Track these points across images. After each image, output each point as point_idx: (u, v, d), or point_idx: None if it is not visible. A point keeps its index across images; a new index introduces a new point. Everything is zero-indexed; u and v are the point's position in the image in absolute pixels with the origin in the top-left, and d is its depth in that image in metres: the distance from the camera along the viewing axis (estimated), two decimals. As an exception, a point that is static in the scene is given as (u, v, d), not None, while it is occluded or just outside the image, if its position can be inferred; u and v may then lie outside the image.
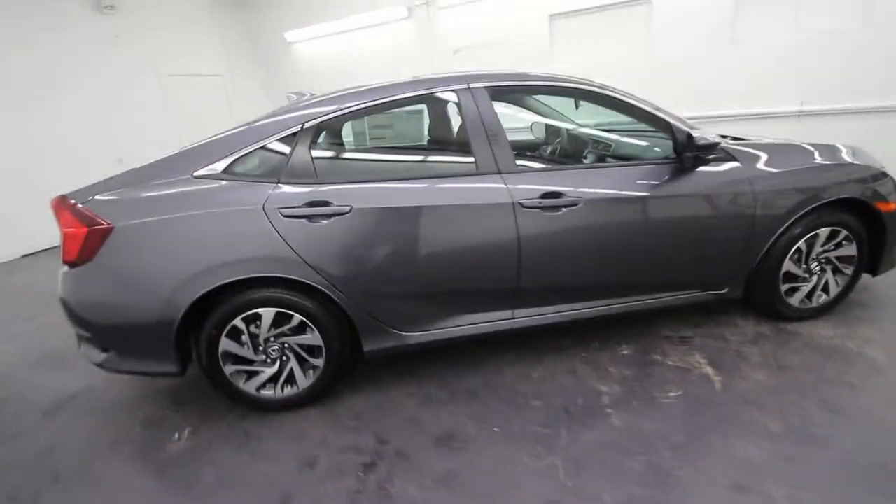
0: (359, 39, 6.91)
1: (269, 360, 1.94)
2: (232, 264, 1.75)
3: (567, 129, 2.49)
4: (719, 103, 4.91)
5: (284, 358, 1.94)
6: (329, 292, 1.84)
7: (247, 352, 1.89)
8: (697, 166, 1.94)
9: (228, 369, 1.90)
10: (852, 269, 2.29)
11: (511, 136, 1.95)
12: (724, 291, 2.23)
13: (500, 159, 1.90)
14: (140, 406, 2.17)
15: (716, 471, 1.55)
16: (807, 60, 4.37)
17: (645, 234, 2.00)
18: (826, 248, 2.24)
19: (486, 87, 1.94)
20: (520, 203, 1.86)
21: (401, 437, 1.81)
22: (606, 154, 2.26)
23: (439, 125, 2.24)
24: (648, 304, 2.16)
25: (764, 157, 2.11)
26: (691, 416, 1.80)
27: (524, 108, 2.54)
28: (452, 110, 1.96)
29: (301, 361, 1.96)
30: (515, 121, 2.65)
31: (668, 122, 2.01)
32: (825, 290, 2.32)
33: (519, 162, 1.94)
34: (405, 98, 1.94)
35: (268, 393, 1.97)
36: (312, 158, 1.84)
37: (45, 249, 5.32)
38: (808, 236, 2.17)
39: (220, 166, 1.82)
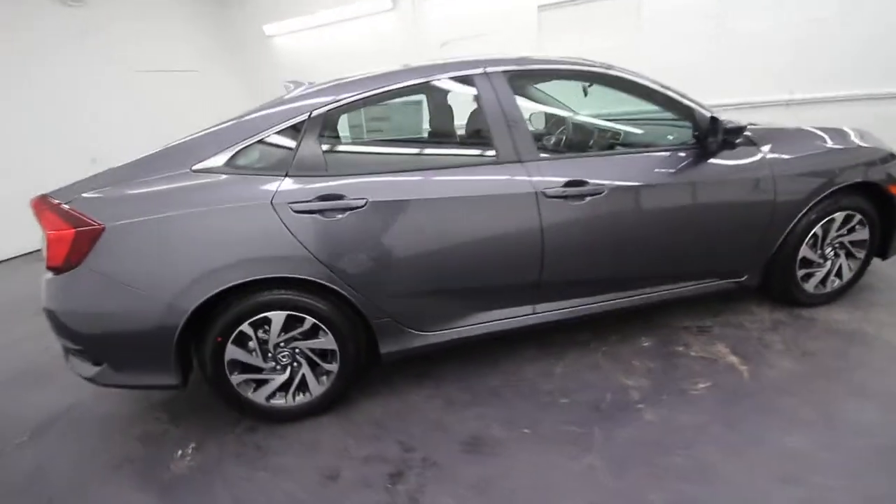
0: (341, 32, 6.72)
1: (279, 367, 1.80)
2: (239, 265, 1.61)
3: (573, 118, 2.41)
4: (708, 93, 4.91)
5: (295, 364, 1.81)
6: (344, 292, 1.72)
7: (255, 359, 1.76)
8: (723, 151, 1.89)
9: (236, 379, 1.76)
10: (865, 253, 2.29)
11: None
12: (743, 279, 2.19)
13: (520, 147, 1.81)
14: (135, 422, 2.00)
15: (760, 463, 1.50)
16: (794, 49, 4.42)
17: (668, 223, 1.94)
18: (840, 232, 2.23)
19: (503, 71, 1.84)
20: (543, 193, 1.78)
21: (427, 444, 1.71)
22: (617, 142, 2.19)
23: (450, 113, 2.12)
24: (669, 294, 2.11)
25: (780, 141, 2.08)
26: (725, 408, 1.75)
27: (525, 97, 2.46)
28: (467, 97, 1.85)
29: (313, 367, 1.83)
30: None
31: (690, 108, 1.96)
32: (839, 274, 2.32)
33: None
34: (417, 84, 1.82)
35: (279, 402, 1.84)
36: (322, 149, 1.72)
37: (14, 257, 5.00)
38: (824, 221, 2.15)
39: (221, 159, 1.68)
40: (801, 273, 2.24)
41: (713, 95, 4.88)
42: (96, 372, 1.71)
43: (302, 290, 1.72)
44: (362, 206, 1.66)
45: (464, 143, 1.88)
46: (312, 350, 1.81)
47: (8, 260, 4.98)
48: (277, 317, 1.71)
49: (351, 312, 1.80)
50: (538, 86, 2.47)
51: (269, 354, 1.78)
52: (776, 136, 2.11)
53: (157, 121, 6.27)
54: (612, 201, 1.84)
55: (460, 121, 2.14)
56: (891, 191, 2.17)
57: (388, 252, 1.72)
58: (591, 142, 2.24)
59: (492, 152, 1.81)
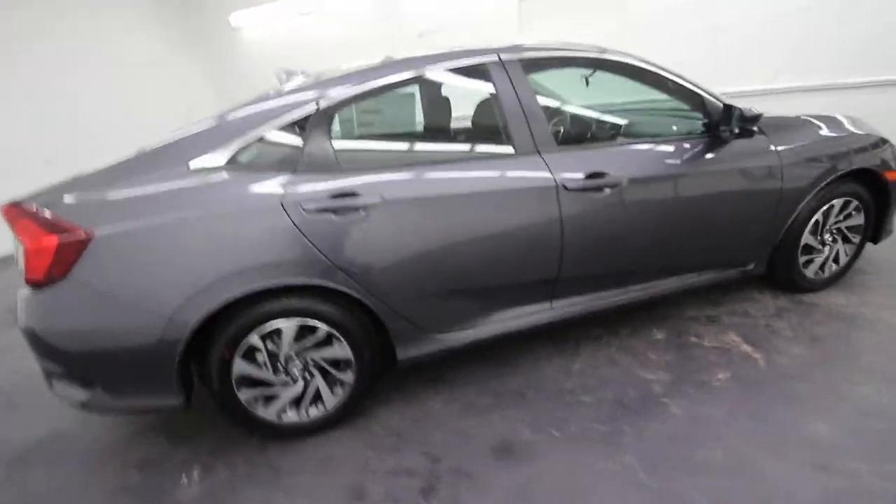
0: (313, 23, 6.48)
1: (290, 380, 1.68)
2: (248, 272, 1.48)
3: (584, 108, 2.36)
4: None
5: (308, 376, 1.70)
6: (361, 297, 1.61)
7: (265, 373, 1.63)
8: (741, 139, 1.88)
9: (244, 395, 1.63)
10: (860, 238, 2.36)
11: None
12: (750, 267, 2.22)
13: (538, 139, 1.74)
14: (129, 447, 1.83)
15: (792, 452, 1.50)
16: (775, 38, 4.54)
17: (685, 213, 1.93)
18: (838, 218, 2.28)
19: (519, 58, 1.77)
20: (563, 185, 1.72)
21: (454, 453, 1.63)
22: (631, 132, 2.16)
23: (460, 104, 2.03)
24: (682, 285, 2.10)
25: (784, 129, 2.10)
26: (748, 398, 1.75)
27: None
28: (469, 87, 1.77)
29: (326, 377, 1.72)
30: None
31: (703, 97, 1.94)
32: (836, 260, 2.38)
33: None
34: (430, 74, 1.72)
35: (291, 417, 1.71)
36: (332, 144, 1.60)
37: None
38: (824, 208, 2.20)
39: (221, 157, 1.53)
40: (802, 259, 2.29)
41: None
42: (88, 397, 1.54)
43: (314, 296, 1.60)
44: (378, 204, 1.56)
45: (480, 135, 1.80)
46: (326, 360, 1.69)
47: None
48: (289, 326, 1.59)
49: (365, 317, 1.70)
50: (537, 75, 2.41)
51: (280, 367, 1.65)
52: (779, 124, 2.13)
53: (118, 117, 5.89)
54: (630, 193, 1.81)
55: (458, 112, 2.05)
56: (886, 177, 2.23)
57: (406, 251, 1.62)
58: (606, 132, 2.20)
59: (509, 144, 1.74)
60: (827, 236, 2.31)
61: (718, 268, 2.16)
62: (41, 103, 5.19)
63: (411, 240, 1.62)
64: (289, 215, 1.49)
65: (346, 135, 1.60)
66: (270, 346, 1.61)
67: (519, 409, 1.82)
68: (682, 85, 1.94)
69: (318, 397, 1.73)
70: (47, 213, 1.43)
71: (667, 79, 1.93)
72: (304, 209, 1.50)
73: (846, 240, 2.36)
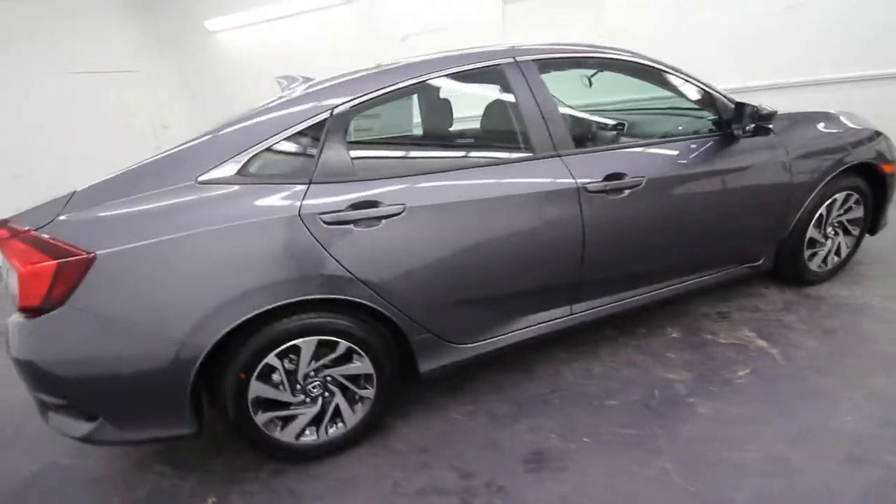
0: (293, 27, 6.34)
1: (308, 400, 1.60)
2: (265, 288, 1.39)
3: (598, 109, 2.35)
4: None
5: (326, 394, 1.62)
6: (383, 310, 1.54)
7: (283, 394, 1.54)
8: (757, 136, 1.89)
9: (261, 418, 1.54)
10: (860, 230, 2.41)
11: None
12: (759, 263, 2.23)
13: (557, 140, 1.71)
14: (133, 479, 1.71)
15: (824, 447, 1.50)
16: (746, 39, 4.66)
17: (702, 212, 1.93)
18: (839, 212, 2.33)
19: (533, 59, 1.73)
20: (585, 188, 1.69)
21: (485, 466, 1.57)
22: (644, 132, 2.15)
23: (477, 107, 1.97)
24: (697, 283, 2.10)
25: (789, 125, 2.13)
26: (772, 395, 1.75)
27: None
28: (497, 89, 1.73)
29: (345, 393, 1.64)
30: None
31: (713, 96, 1.95)
32: (837, 252, 2.43)
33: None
34: (446, 76, 1.67)
35: (309, 438, 1.63)
36: (349, 151, 1.52)
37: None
38: (828, 202, 2.24)
39: (231, 168, 1.44)
40: (807, 253, 2.32)
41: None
42: (91, 429, 1.42)
43: (333, 311, 1.52)
44: (400, 213, 1.49)
45: (498, 138, 1.76)
46: (345, 376, 1.61)
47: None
48: (308, 344, 1.51)
49: (385, 330, 1.63)
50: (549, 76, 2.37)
51: (298, 386, 1.57)
52: (784, 120, 2.15)
53: (91, 127, 5.64)
54: (649, 193, 1.79)
55: (475, 115, 2.00)
56: (883, 169, 2.29)
57: (429, 261, 1.56)
58: (620, 133, 2.18)
59: (528, 147, 1.70)
60: (829, 230, 2.35)
61: (730, 264, 2.17)
62: (8, 114, 4.92)
63: (435, 248, 1.56)
64: (307, 227, 1.42)
65: (362, 141, 1.52)
66: (288, 365, 1.53)
67: (545, 416, 1.77)
68: (693, 84, 1.94)
69: (336, 415, 1.65)
70: (43, 234, 1.32)
71: (678, 78, 1.93)
72: (323, 221, 1.43)
73: (847, 232, 2.41)
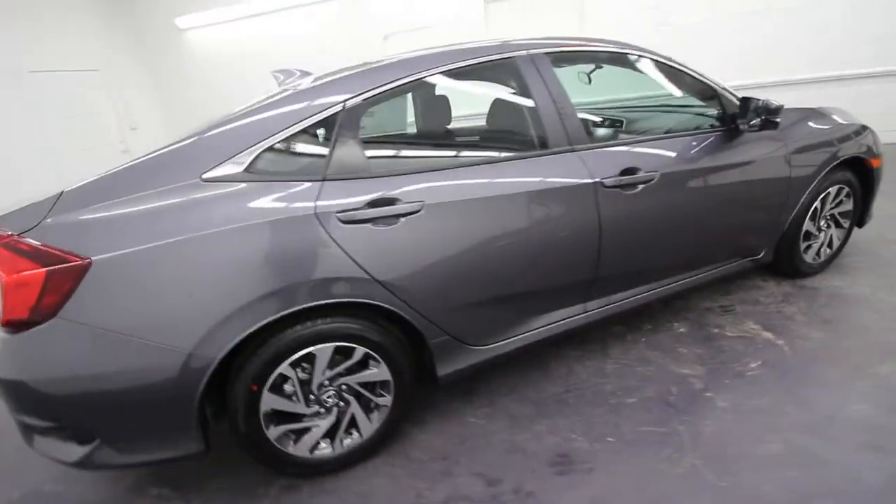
0: (270, 24, 6.17)
1: (323, 411, 1.51)
2: (280, 293, 1.30)
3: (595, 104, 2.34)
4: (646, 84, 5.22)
5: (342, 404, 1.53)
6: (402, 312, 1.47)
7: (297, 405, 1.45)
8: (765, 130, 1.91)
9: (274, 433, 1.44)
10: (850, 222, 2.49)
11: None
12: (760, 256, 2.27)
13: (572, 135, 1.68)
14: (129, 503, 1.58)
15: (843, 436, 1.52)
16: (724, 39, 4.80)
17: (712, 206, 1.94)
18: (831, 205, 2.39)
19: (546, 53, 1.70)
20: (601, 183, 1.67)
21: (511, 471, 1.52)
22: (653, 128, 2.15)
23: (495, 100, 1.91)
24: (704, 277, 2.11)
25: (787, 121, 2.16)
26: (785, 386, 1.77)
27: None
28: (511, 82, 1.68)
29: (360, 401, 1.56)
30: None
31: (717, 91, 1.97)
32: (829, 244, 2.49)
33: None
34: (459, 69, 1.61)
35: (324, 451, 1.54)
36: (363, 146, 1.45)
37: None
38: (822, 195, 2.29)
39: (239, 165, 1.34)
40: (803, 246, 2.37)
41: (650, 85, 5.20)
42: (86, 453, 1.29)
43: (348, 315, 1.44)
44: (419, 211, 1.43)
45: (514, 132, 1.71)
46: (361, 383, 1.54)
47: None
48: (323, 351, 1.42)
49: (401, 334, 1.56)
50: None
51: (312, 397, 1.48)
52: (782, 115, 2.18)
53: (53, 129, 5.32)
54: (661, 188, 1.78)
55: (490, 109, 1.94)
56: (871, 163, 2.36)
57: (448, 260, 1.50)
58: (630, 128, 2.17)
59: (545, 142, 1.66)
60: (822, 223, 2.41)
61: (734, 258, 2.19)
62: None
63: (454, 247, 1.50)
64: (324, 227, 1.33)
65: (376, 135, 1.45)
66: (301, 374, 1.44)
67: (565, 417, 1.74)
68: (699, 79, 1.95)
69: (351, 425, 1.57)
70: (28, 239, 1.19)
71: (684, 73, 1.94)
72: (340, 220, 1.35)
73: (838, 225, 2.48)
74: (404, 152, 1.77)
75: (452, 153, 1.69)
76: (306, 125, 1.41)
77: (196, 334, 1.24)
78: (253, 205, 1.31)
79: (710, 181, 1.91)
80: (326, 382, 1.48)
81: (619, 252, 1.79)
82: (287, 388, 1.43)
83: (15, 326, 1.20)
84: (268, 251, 1.29)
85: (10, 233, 1.21)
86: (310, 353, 1.41)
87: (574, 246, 1.69)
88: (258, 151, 1.36)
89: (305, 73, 2.01)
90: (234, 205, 1.30)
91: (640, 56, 1.89)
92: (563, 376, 1.96)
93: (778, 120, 1.84)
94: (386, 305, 1.44)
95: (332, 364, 1.46)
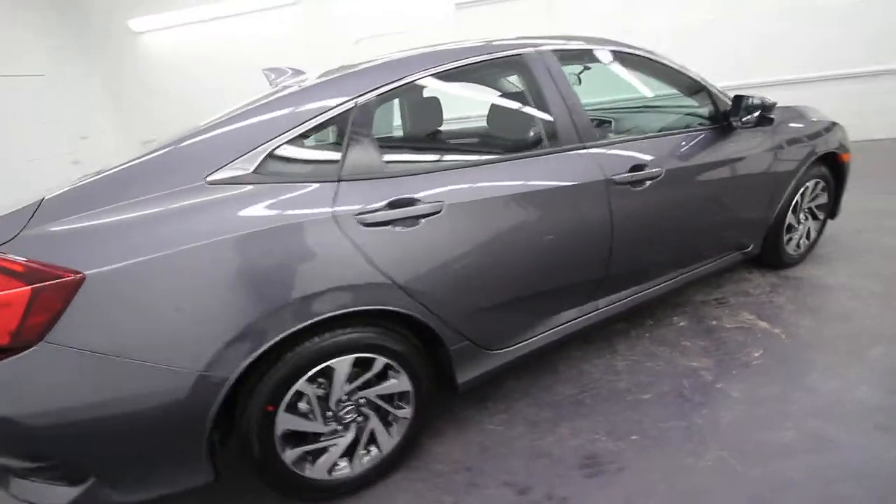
0: (234, 28, 5.93)
1: (340, 428, 1.41)
2: (298, 304, 1.21)
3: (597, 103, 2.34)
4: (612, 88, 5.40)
5: (360, 419, 1.44)
6: (424, 318, 1.40)
7: (314, 424, 1.35)
8: (761, 126, 1.97)
9: (290, 455, 1.33)
10: (825, 215, 2.62)
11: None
12: (750, 249, 2.34)
13: (582, 132, 1.67)
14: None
15: (853, 419, 1.57)
16: (688, 46, 5.01)
17: (712, 201, 1.98)
18: (810, 198, 2.51)
19: (553, 50, 1.68)
20: (612, 179, 1.66)
21: (539, 478, 1.47)
22: (654, 125, 2.16)
23: (506, 96, 1.87)
24: (702, 271, 2.16)
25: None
26: (789, 373, 1.82)
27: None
28: (520, 79, 1.66)
29: (380, 415, 1.47)
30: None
31: (709, 90, 2.02)
32: (807, 236, 2.62)
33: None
34: (471, 64, 1.56)
35: (343, 471, 1.44)
36: (377, 145, 1.37)
37: None
38: (801, 189, 2.40)
39: (247, 166, 1.24)
40: (786, 238, 2.48)
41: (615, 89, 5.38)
42: (78, 495, 1.14)
43: (368, 324, 1.36)
44: (440, 212, 1.37)
45: (527, 129, 1.68)
46: (380, 396, 1.45)
47: None
48: (342, 364, 1.33)
49: (418, 341, 1.49)
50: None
51: (329, 413, 1.38)
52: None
53: (-6, 138, 4.88)
54: (667, 185, 1.80)
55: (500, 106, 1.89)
56: (843, 158, 2.50)
57: (469, 262, 1.45)
58: (631, 125, 2.19)
59: (554, 139, 1.64)
60: (801, 215, 2.53)
61: (728, 251, 2.25)
62: None
63: (474, 248, 1.45)
64: (343, 231, 1.25)
65: (388, 133, 1.38)
66: (317, 390, 1.34)
67: (585, 418, 1.71)
68: (692, 78, 2.00)
69: (370, 441, 1.48)
70: (8, 254, 1.04)
71: (680, 73, 1.98)
72: (361, 222, 1.27)
73: (814, 217, 2.61)
74: (419, 151, 1.71)
75: (467, 151, 1.64)
76: (317, 123, 1.32)
77: (206, 353, 1.13)
78: (265, 209, 1.21)
79: (710, 177, 1.95)
80: (344, 397, 1.39)
81: (629, 248, 1.80)
82: (302, 406, 1.33)
83: (-7, 354, 1.04)
84: (283, 258, 1.19)
85: (-18, 248, 1.05)
86: (327, 367, 1.31)
87: (588, 243, 1.68)
88: (268, 151, 1.26)
89: (298, 72, 1.91)
90: (244, 209, 1.19)
91: (637, 56, 1.91)
92: (574, 377, 1.94)
93: (773, 116, 1.91)
94: (407, 312, 1.37)
95: (350, 377, 1.36)
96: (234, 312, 1.14)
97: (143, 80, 6.29)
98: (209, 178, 1.20)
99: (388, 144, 1.42)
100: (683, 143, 1.91)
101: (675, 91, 2.06)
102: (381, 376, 1.42)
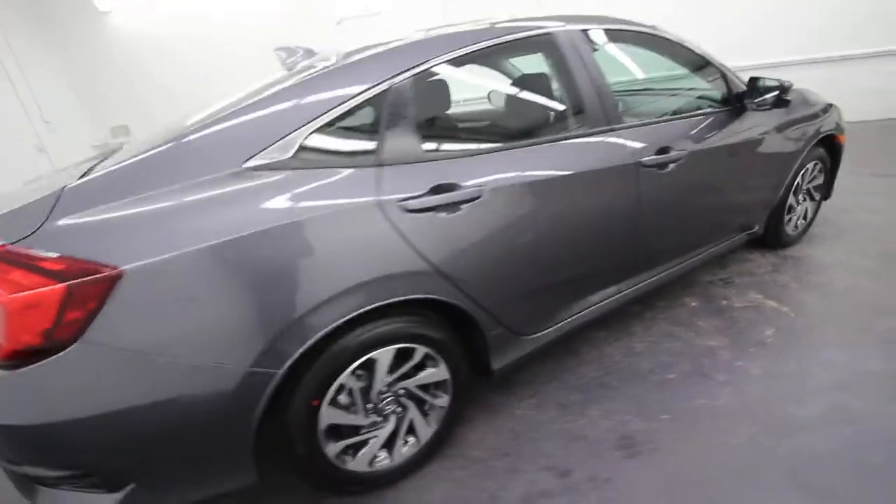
0: (210, 7, 5.63)
1: (380, 420, 1.38)
2: (345, 295, 1.16)
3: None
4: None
5: (399, 410, 1.41)
6: (464, 306, 1.37)
7: (357, 417, 1.31)
8: (778, 108, 1.99)
9: (333, 449, 1.29)
10: (820, 195, 2.71)
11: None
12: (755, 229, 2.40)
13: (609, 113, 1.65)
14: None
15: (870, 390, 1.63)
16: (676, 27, 5.05)
17: (727, 182, 2.02)
18: (809, 179, 2.58)
19: (581, 29, 1.65)
20: (641, 162, 1.66)
21: (578, 461, 1.48)
22: (672, 107, 2.16)
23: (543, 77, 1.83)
24: (714, 251, 2.20)
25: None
26: (802, 349, 1.88)
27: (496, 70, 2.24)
28: (551, 59, 1.62)
29: (418, 405, 1.45)
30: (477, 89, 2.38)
31: (725, 73, 2.03)
32: (804, 217, 2.70)
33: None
34: (501, 44, 1.51)
35: (384, 462, 1.41)
36: (415, 128, 1.32)
37: None
38: (802, 171, 2.47)
39: (285, 151, 1.17)
40: (786, 218, 2.55)
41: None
42: (117, 501, 1.08)
43: (409, 313, 1.32)
44: (480, 197, 1.33)
45: (559, 111, 1.65)
46: (419, 386, 1.42)
47: None
48: (385, 354, 1.29)
49: (452, 329, 1.46)
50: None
51: (370, 406, 1.34)
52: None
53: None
54: (688, 167, 1.81)
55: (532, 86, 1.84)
56: (839, 139, 2.58)
57: (507, 247, 1.42)
58: (653, 107, 2.19)
59: (584, 121, 1.62)
60: (800, 196, 2.60)
61: (737, 232, 2.30)
62: None
63: (513, 233, 1.42)
64: (388, 217, 1.20)
65: (424, 115, 1.32)
66: (359, 382, 1.30)
67: (612, 400, 1.73)
68: (708, 60, 2.00)
69: (408, 431, 1.45)
70: (28, 248, 0.95)
71: (697, 54, 1.98)
72: (405, 208, 1.22)
73: (811, 198, 2.69)
74: (455, 133, 1.65)
75: (502, 133, 1.60)
76: (354, 105, 1.25)
77: (255, 348, 1.07)
78: (308, 196, 1.14)
79: (728, 159, 1.98)
80: (384, 388, 1.35)
81: (653, 231, 1.81)
82: (342, 399, 1.29)
83: (21, 358, 0.96)
84: (331, 247, 1.14)
85: (1, 242, 0.96)
86: (368, 359, 1.27)
87: (619, 226, 1.68)
88: (305, 135, 1.19)
89: (309, 51, 1.82)
90: (286, 196, 1.12)
91: (657, 36, 1.90)
92: (595, 359, 1.96)
93: (789, 98, 1.94)
94: (448, 300, 1.34)
95: (391, 368, 1.33)
96: (282, 304, 1.09)
97: (110, 62, 5.92)
98: (247, 164, 1.12)
99: (424, 127, 1.36)
100: (703, 125, 1.92)
101: (688, 72, 2.06)
102: (419, 366, 1.40)
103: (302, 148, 1.18)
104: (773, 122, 2.14)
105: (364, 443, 1.36)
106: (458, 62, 1.42)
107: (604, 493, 1.37)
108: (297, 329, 1.11)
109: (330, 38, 5.64)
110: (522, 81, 1.64)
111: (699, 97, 2.07)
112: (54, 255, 0.94)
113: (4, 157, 4.97)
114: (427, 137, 1.35)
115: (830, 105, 2.59)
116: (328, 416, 1.25)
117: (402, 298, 1.25)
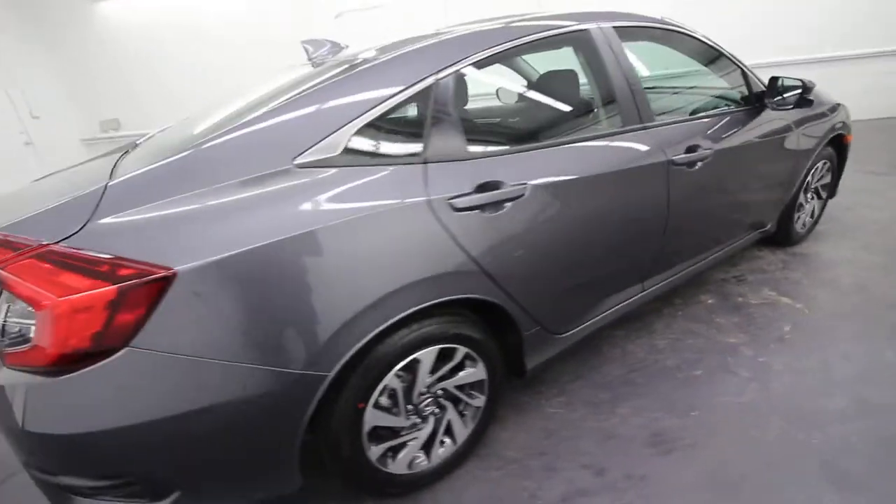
0: (205, 1, 5.49)
1: (420, 421, 1.36)
2: (396, 295, 1.14)
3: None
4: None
5: (437, 410, 1.39)
6: (505, 305, 1.36)
7: (398, 418, 1.29)
8: (801, 107, 2.02)
9: (375, 452, 1.27)
10: (827, 194, 2.76)
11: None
12: (768, 228, 2.44)
13: (642, 111, 1.65)
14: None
15: (890, 382, 1.67)
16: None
17: (748, 181, 2.03)
18: (818, 178, 2.63)
19: (614, 26, 1.64)
20: (672, 161, 1.66)
21: (613, 459, 1.49)
22: (697, 105, 2.17)
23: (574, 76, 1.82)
24: (730, 249, 2.22)
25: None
26: (820, 343, 1.92)
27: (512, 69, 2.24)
28: (583, 55, 1.61)
29: (456, 405, 1.44)
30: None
31: (746, 72, 2.05)
32: (812, 215, 2.75)
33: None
34: (538, 40, 1.50)
35: (422, 464, 1.40)
36: (459, 124, 1.30)
37: None
38: (812, 169, 2.51)
39: (335, 147, 1.14)
40: (796, 216, 2.59)
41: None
42: (162, 509, 1.04)
43: (452, 313, 1.31)
44: (524, 195, 1.32)
45: (594, 108, 1.65)
46: (457, 386, 1.41)
47: None
48: (428, 356, 1.28)
49: (488, 328, 1.45)
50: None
51: (410, 407, 1.32)
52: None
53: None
54: (714, 165, 1.83)
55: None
56: (847, 139, 2.63)
57: (548, 247, 1.42)
58: (681, 105, 2.19)
59: (616, 119, 1.61)
60: (809, 195, 2.65)
61: (752, 230, 2.33)
62: None
63: (553, 231, 1.41)
64: (438, 216, 1.18)
65: (466, 111, 1.30)
66: (401, 384, 1.28)
67: (641, 397, 1.74)
68: (730, 58, 2.02)
69: (445, 432, 1.44)
70: (75, 247, 0.91)
71: (721, 53, 1.99)
72: (453, 206, 1.20)
73: (818, 196, 2.74)
74: (497, 131, 1.63)
75: (543, 131, 1.58)
76: (399, 102, 1.23)
77: (307, 351, 1.04)
78: (359, 193, 1.12)
79: (749, 157, 2.00)
80: (424, 389, 1.34)
81: (679, 228, 1.82)
82: (383, 401, 1.27)
83: (66, 364, 0.92)
84: (383, 246, 1.12)
85: (43, 241, 0.92)
86: (412, 360, 1.25)
87: (650, 223, 1.69)
88: (353, 131, 1.16)
89: (336, 45, 1.78)
90: (338, 194, 1.10)
91: (681, 33, 1.91)
92: (618, 357, 1.97)
93: (812, 98, 1.96)
94: (491, 299, 1.32)
95: (433, 368, 1.31)
96: (335, 304, 1.06)
97: (101, 53, 5.74)
98: (297, 161, 1.09)
99: (466, 124, 1.34)
100: (727, 123, 1.94)
101: (710, 69, 2.07)
102: (458, 366, 1.38)
103: (350, 144, 1.16)
104: (792, 121, 2.17)
105: (402, 445, 1.34)
106: (496, 59, 1.41)
107: (641, 491, 1.37)
108: (349, 330, 1.08)
109: (328, 31, 5.56)
110: (558, 79, 1.62)
111: (721, 95, 2.09)
112: (107, 255, 0.90)
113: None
114: (469, 134, 1.33)
115: (838, 104, 2.63)
116: (372, 418, 1.23)
117: (448, 298, 1.23)
